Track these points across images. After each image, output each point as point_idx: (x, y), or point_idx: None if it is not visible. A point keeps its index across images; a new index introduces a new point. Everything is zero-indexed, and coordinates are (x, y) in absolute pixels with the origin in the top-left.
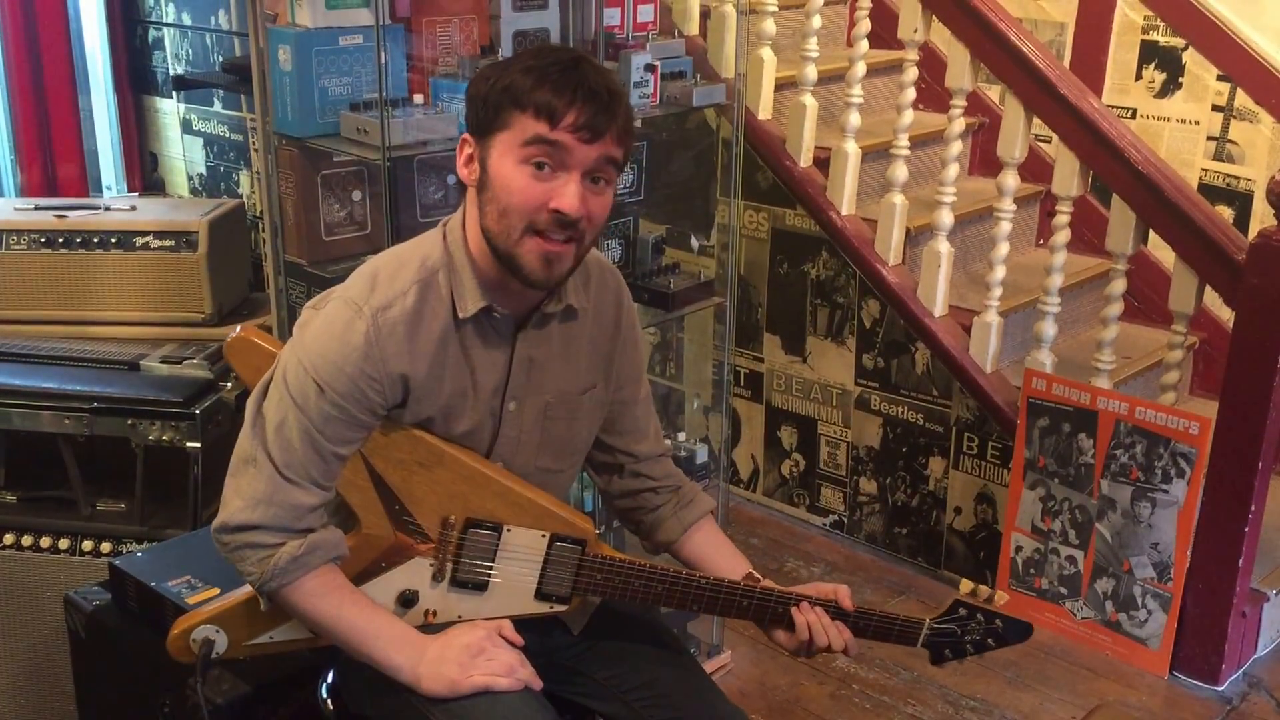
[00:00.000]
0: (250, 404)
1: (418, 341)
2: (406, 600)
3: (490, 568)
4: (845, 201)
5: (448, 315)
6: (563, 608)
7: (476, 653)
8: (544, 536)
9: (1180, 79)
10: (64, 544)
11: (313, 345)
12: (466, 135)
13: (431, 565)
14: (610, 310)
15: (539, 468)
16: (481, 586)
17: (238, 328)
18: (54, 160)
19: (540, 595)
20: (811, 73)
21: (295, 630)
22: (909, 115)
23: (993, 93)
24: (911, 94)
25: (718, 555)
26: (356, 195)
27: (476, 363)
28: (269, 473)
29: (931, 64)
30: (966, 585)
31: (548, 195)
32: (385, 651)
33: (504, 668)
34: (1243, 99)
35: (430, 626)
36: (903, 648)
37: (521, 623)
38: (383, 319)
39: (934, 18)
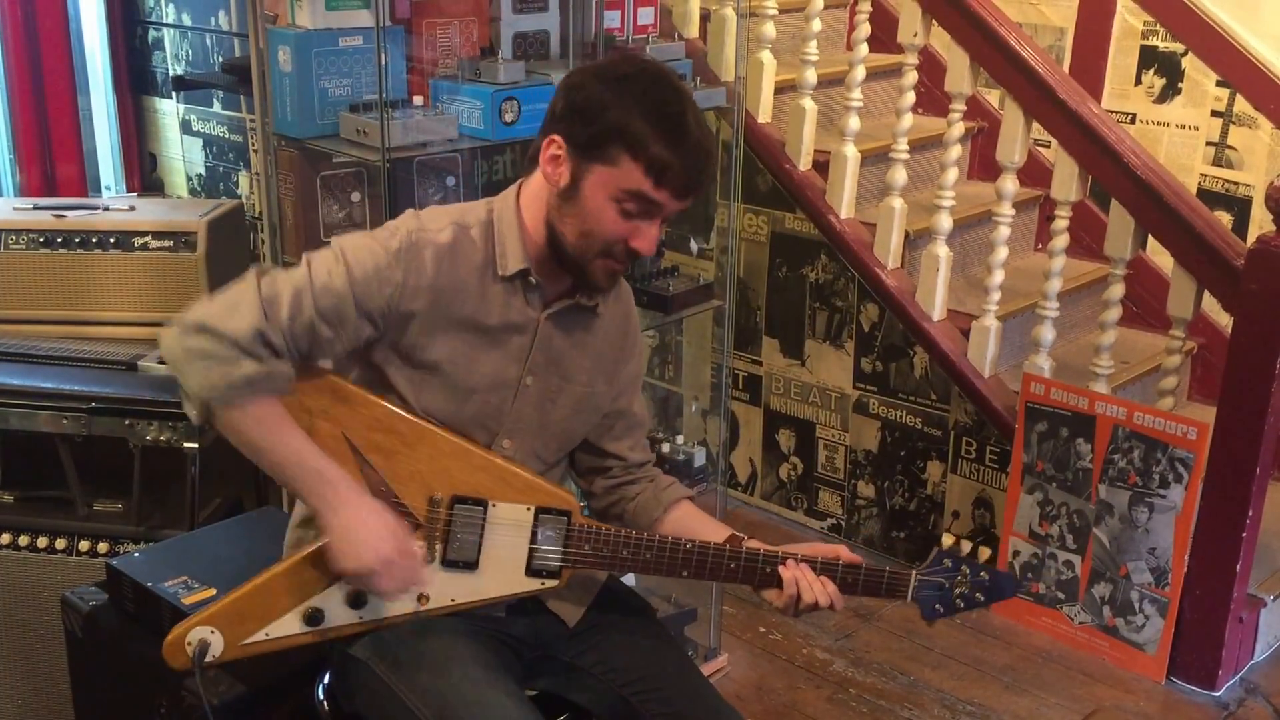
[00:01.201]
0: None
1: (443, 270)
2: (371, 589)
3: (479, 544)
4: (844, 205)
5: (479, 265)
6: (554, 583)
7: (387, 559)
8: (529, 509)
9: (1180, 84)
10: (61, 544)
11: (349, 240)
12: (559, 139)
13: (420, 548)
14: (621, 320)
15: (537, 455)
16: (472, 565)
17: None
18: (53, 160)
19: (530, 571)
20: (811, 76)
21: (290, 625)
22: (908, 119)
23: (992, 97)
24: (911, 98)
25: (698, 524)
26: (356, 196)
27: (509, 318)
28: (253, 295)
29: (931, 68)
30: (949, 539)
31: (629, 233)
32: (308, 487)
33: (402, 584)
34: (1242, 105)
35: (423, 612)
36: (903, 650)
37: (517, 618)
38: (417, 237)
39: (934, 22)
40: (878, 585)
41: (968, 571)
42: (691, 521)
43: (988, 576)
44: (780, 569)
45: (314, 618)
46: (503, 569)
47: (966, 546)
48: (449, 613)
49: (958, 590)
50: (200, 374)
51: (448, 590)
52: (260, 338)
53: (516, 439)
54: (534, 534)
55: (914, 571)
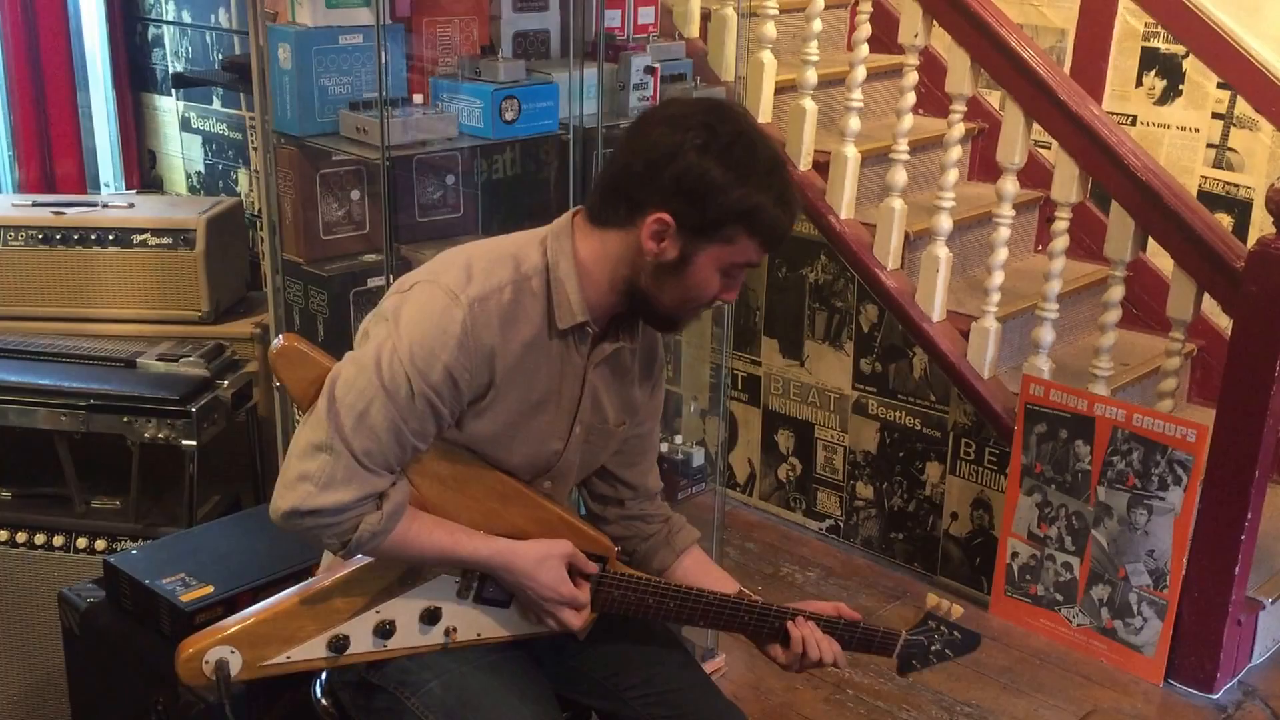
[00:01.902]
0: (323, 399)
1: (509, 340)
2: (430, 617)
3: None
4: (844, 205)
5: (539, 321)
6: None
7: (562, 600)
8: None
9: (1180, 86)
10: (59, 541)
11: (408, 332)
12: (668, 218)
13: (457, 583)
14: (649, 354)
15: (567, 488)
16: (504, 604)
17: (280, 337)
18: (52, 157)
19: None
20: (812, 76)
21: (313, 650)
22: (909, 120)
23: (993, 98)
24: (911, 98)
25: (708, 576)
26: (355, 194)
27: (563, 373)
28: (347, 461)
29: (932, 69)
30: (932, 599)
31: (723, 290)
32: (475, 569)
33: (577, 622)
34: (1243, 107)
35: (450, 645)
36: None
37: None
38: (480, 309)
39: (935, 23)
40: (870, 642)
41: (945, 630)
42: (701, 572)
43: (959, 635)
44: (789, 625)
45: (339, 645)
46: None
47: (945, 605)
48: (474, 645)
49: (933, 647)
50: (334, 541)
51: (476, 625)
52: (369, 497)
53: (558, 481)
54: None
55: (903, 632)
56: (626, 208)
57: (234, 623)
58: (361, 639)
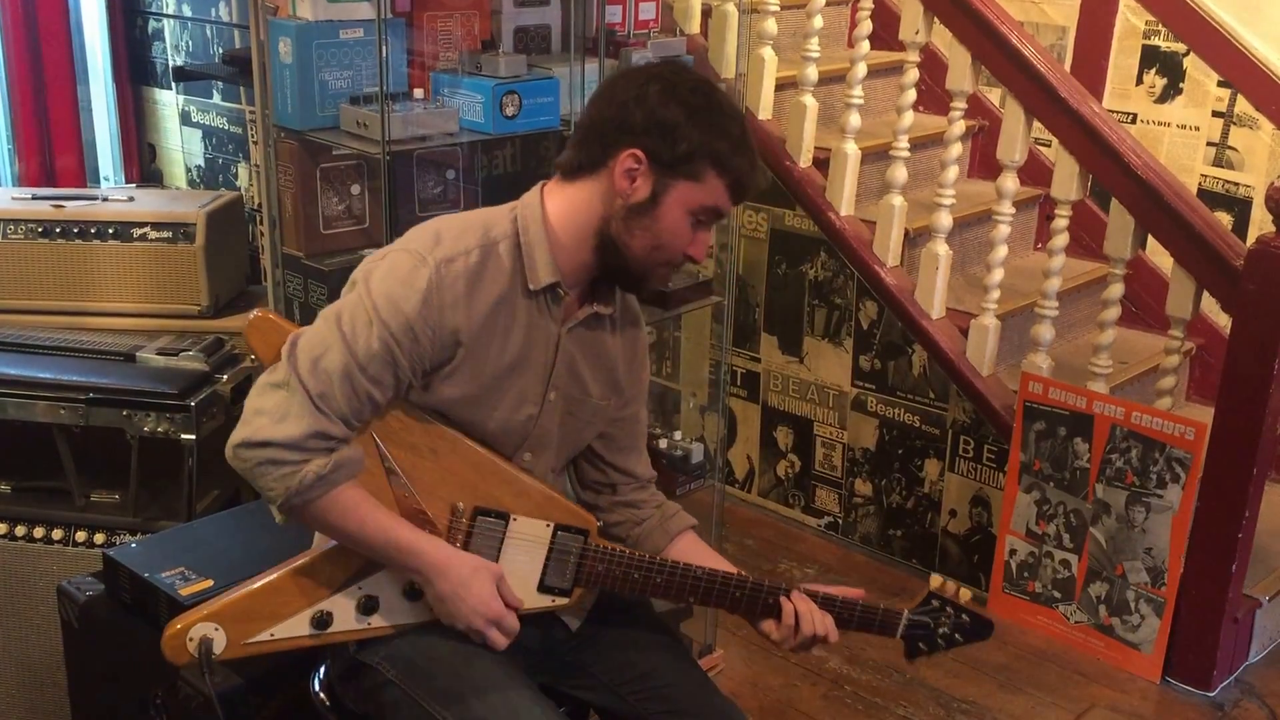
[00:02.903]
0: (285, 347)
1: (475, 300)
2: (413, 592)
3: (496, 556)
4: (844, 202)
5: (506, 284)
6: (564, 600)
7: (494, 618)
8: (549, 526)
9: (1181, 84)
10: (58, 534)
11: (375, 288)
12: (640, 154)
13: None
14: (631, 327)
15: (549, 466)
16: None
17: (255, 310)
18: (52, 150)
19: (543, 588)
20: (812, 73)
21: (297, 627)
22: (909, 117)
23: (993, 96)
24: (912, 96)
25: (703, 557)
26: (355, 189)
27: (534, 337)
28: (302, 398)
29: (932, 66)
30: (936, 580)
31: (690, 243)
32: (404, 563)
33: (510, 636)
34: (1243, 105)
35: (433, 621)
36: (899, 648)
37: (523, 623)
38: (446, 270)
39: (936, 20)
40: (871, 621)
41: (951, 612)
42: (696, 553)
43: (968, 619)
44: (783, 600)
45: (322, 621)
46: (516, 583)
47: (952, 588)
48: None
49: (940, 630)
50: (272, 481)
51: None
52: (319, 436)
53: (537, 452)
54: (550, 550)
55: (906, 611)
56: (599, 149)
57: (218, 600)
58: (345, 615)
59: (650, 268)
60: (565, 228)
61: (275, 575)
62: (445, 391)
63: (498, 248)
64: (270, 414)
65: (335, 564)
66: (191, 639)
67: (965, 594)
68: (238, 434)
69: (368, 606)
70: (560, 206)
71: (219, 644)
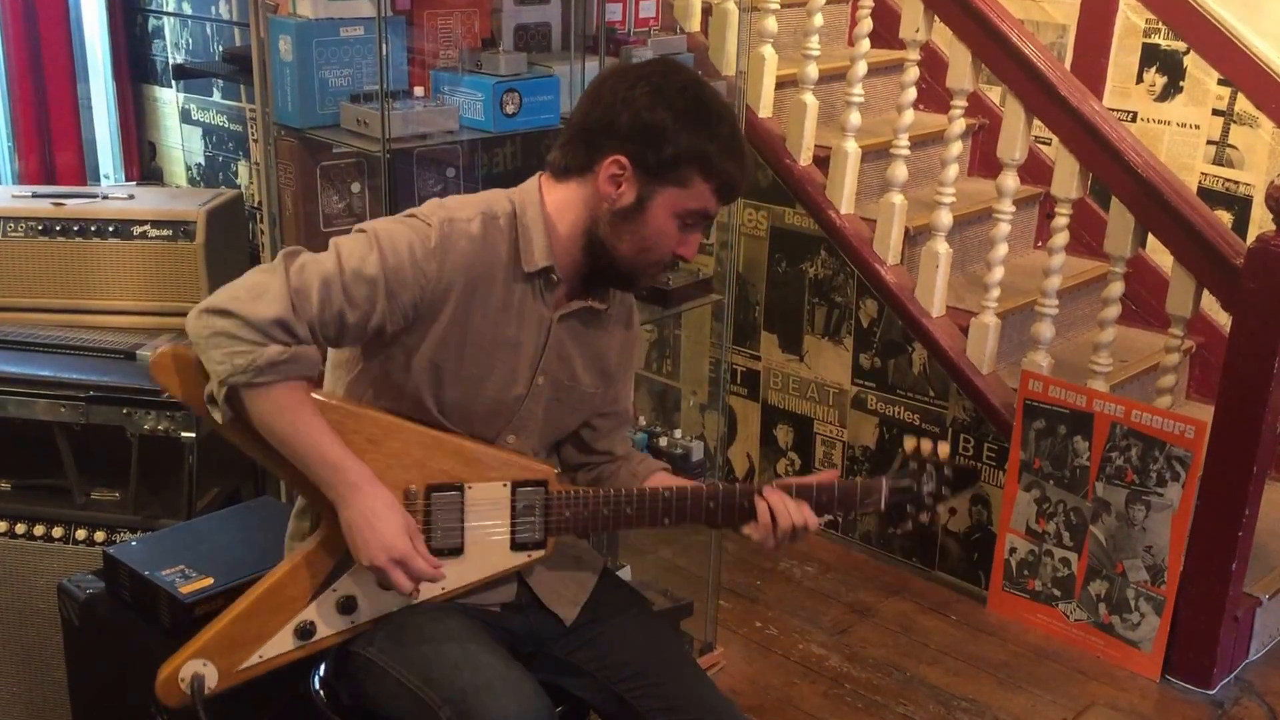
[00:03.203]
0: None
1: (474, 261)
2: (386, 584)
3: (461, 529)
4: (844, 201)
5: (503, 257)
6: (540, 553)
7: (399, 556)
8: (505, 485)
9: (1181, 83)
10: (58, 532)
11: (382, 225)
12: (625, 160)
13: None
14: (624, 321)
15: (533, 450)
16: (458, 550)
17: (160, 348)
18: (52, 148)
19: (516, 545)
20: (812, 71)
21: (283, 643)
22: (909, 115)
23: (993, 94)
24: (912, 94)
25: (674, 482)
26: (355, 187)
27: (526, 319)
28: (280, 287)
29: (933, 64)
30: (910, 442)
31: (679, 244)
32: (324, 478)
33: (416, 579)
34: (1243, 103)
35: (415, 603)
36: (898, 646)
37: (512, 615)
38: (450, 227)
39: (936, 18)
40: (852, 499)
41: (932, 470)
42: (668, 480)
43: (951, 472)
44: (755, 498)
45: (306, 631)
46: (488, 549)
47: (928, 446)
48: (442, 601)
49: (927, 488)
50: (223, 355)
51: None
52: (283, 326)
53: (521, 435)
54: (513, 509)
55: (884, 479)
56: (585, 153)
57: (200, 635)
58: (327, 620)
59: (640, 268)
60: (559, 221)
61: (249, 599)
62: (447, 349)
63: (498, 221)
64: (246, 290)
65: (304, 574)
66: (183, 679)
67: (944, 447)
68: (207, 300)
69: (347, 606)
70: (554, 201)
71: (211, 678)
